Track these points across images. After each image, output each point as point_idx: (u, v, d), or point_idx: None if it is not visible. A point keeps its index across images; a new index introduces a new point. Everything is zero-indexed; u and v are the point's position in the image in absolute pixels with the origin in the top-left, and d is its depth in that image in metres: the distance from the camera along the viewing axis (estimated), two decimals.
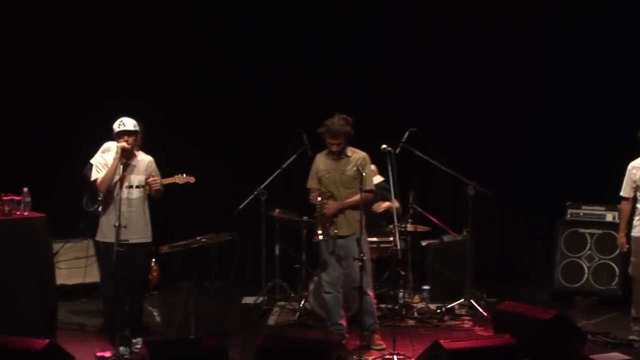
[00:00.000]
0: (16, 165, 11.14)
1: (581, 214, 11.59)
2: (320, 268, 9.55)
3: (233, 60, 12.15)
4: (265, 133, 12.00)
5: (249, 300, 11.26)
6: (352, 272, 8.96)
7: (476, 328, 10.18)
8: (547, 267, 11.92)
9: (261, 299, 10.98)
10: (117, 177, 8.78)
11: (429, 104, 12.04)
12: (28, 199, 9.19)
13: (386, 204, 10.35)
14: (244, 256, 11.73)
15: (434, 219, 10.97)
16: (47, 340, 7.20)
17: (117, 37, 11.77)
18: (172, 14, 11.98)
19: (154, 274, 11.45)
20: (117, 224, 8.46)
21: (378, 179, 10.23)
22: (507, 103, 12.12)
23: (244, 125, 12.17)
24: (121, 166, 8.74)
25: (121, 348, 8.66)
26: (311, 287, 10.20)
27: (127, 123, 8.85)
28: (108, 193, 8.87)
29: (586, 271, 11.44)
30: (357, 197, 9.03)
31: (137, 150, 9.00)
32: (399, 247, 9.36)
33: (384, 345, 9.18)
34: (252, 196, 10.73)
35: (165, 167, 9.24)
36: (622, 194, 9.74)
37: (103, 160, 8.95)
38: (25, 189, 9.19)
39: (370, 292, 9.20)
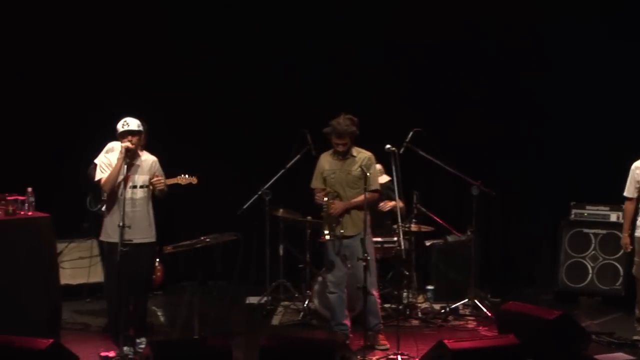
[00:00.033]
0: (20, 165, 11.15)
1: (585, 214, 11.58)
2: (325, 268, 9.57)
3: (237, 60, 12.14)
4: (269, 133, 12.00)
5: (253, 300, 11.27)
6: (357, 272, 8.96)
7: (480, 328, 10.18)
8: (551, 267, 11.90)
9: (265, 299, 10.98)
10: (121, 177, 8.79)
11: (433, 104, 12.03)
12: (32, 199, 9.21)
13: (392, 203, 10.34)
14: (248, 256, 11.73)
15: (438, 219, 10.95)
16: (51, 340, 7.20)
17: (120, 37, 11.76)
18: (173, 13, 11.98)
19: (158, 274, 11.45)
20: (121, 224, 8.47)
21: (384, 178, 10.23)
22: (511, 103, 12.11)
23: (248, 125, 12.17)
24: (125, 166, 8.75)
25: (125, 348, 8.68)
26: (315, 287, 10.20)
27: (131, 123, 8.86)
28: (112, 193, 8.88)
29: (590, 271, 11.44)
30: (363, 197, 9.03)
31: (141, 150, 9.00)
32: (403, 247, 9.37)
33: (388, 345, 9.18)
34: (256, 196, 10.73)
35: (168, 167, 9.24)
36: (625, 194, 9.72)
37: (107, 160, 8.95)
38: (29, 189, 9.21)
39: (375, 292, 9.21)
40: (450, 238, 11.40)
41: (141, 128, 8.90)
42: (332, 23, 12.09)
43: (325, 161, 9.39)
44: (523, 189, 12.28)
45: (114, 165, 8.83)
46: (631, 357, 8.71)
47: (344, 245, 9.21)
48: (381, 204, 10.37)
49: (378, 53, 12.13)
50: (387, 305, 10.33)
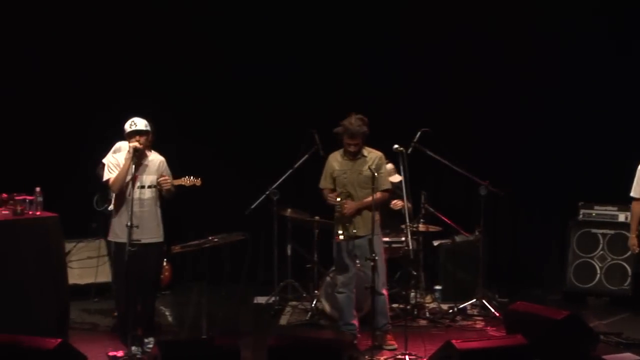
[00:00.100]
0: (28, 165, 11.18)
1: (593, 214, 11.56)
2: (335, 268, 9.57)
3: (245, 60, 12.14)
4: (277, 133, 11.99)
5: (261, 300, 11.28)
6: (368, 272, 8.96)
7: (488, 328, 10.17)
8: (559, 268, 11.89)
9: (273, 298, 10.99)
10: (129, 177, 8.80)
11: (441, 104, 12.02)
12: (40, 199, 9.23)
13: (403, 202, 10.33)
14: (255, 256, 11.75)
15: (446, 219, 10.94)
16: (59, 340, 7.20)
17: (128, 37, 11.78)
18: (181, 14, 11.98)
19: (166, 273, 11.47)
20: (129, 224, 8.48)
21: (396, 178, 10.18)
22: (519, 103, 12.09)
23: (256, 125, 12.17)
24: (133, 166, 8.76)
25: (133, 348, 8.70)
26: (323, 287, 10.20)
27: (138, 123, 8.87)
28: (120, 193, 8.88)
29: (598, 271, 11.42)
30: (375, 196, 9.03)
31: (149, 150, 9.01)
32: (410, 247, 9.37)
33: (395, 345, 9.19)
34: (264, 196, 10.73)
35: (177, 167, 9.24)
36: (632, 194, 9.65)
37: (115, 161, 8.96)
38: (38, 189, 9.22)
39: (385, 292, 9.21)
40: (458, 238, 11.40)
41: (149, 128, 8.91)
42: (339, 22, 12.08)
43: (335, 161, 9.39)
44: (531, 188, 12.24)
45: (122, 165, 8.83)
46: (639, 358, 8.71)
47: (356, 245, 9.22)
48: (392, 203, 10.35)
49: (386, 53, 12.11)
50: (395, 305, 10.32)
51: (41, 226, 9.14)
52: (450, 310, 10.66)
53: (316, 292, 10.46)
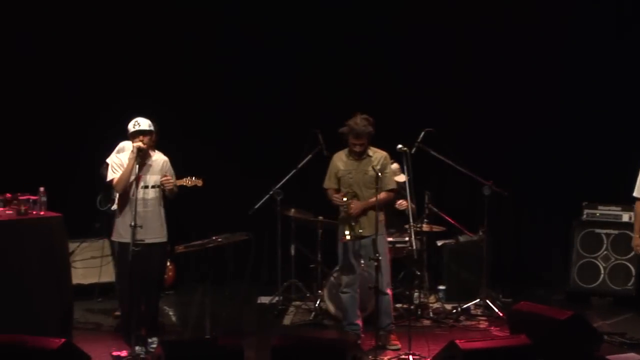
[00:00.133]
0: (32, 165, 11.18)
1: (597, 214, 11.55)
2: (340, 267, 9.55)
3: (249, 60, 12.15)
4: (281, 133, 11.99)
5: (264, 300, 11.27)
6: (372, 272, 8.95)
7: (492, 328, 10.17)
8: (562, 268, 11.88)
9: (277, 298, 10.99)
10: (132, 177, 8.79)
11: (445, 103, 12.02)
12: (44, 199, 9.22)
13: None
14: (259, 256, 11.78)
15: (449, 219, 10.95)
16: (63, 340, 7.20)
17: (132, 37, 11.79)
18: (185, 14, 11.99)
19: (170, 273, 11.47)
20: (133, 224, 8.48)
21: (402, 177, 10.16)
22: (523, 103, 12.09)
23: (259, 125, 12.17)
24: (137, 166, 8.76)
25: (137, 348, 8.69)
26: (327, 287, 10.20)
27: (142, 123, 8.87)
28: (124, 193, 8.88)
29: (602, 271, 11.41)
30: (380, 196, 9.05)
31: (153, 150, 9.01)
32: (414, 247, 9.34)
33: (399, 346, 9.18)
34: (267, 196, 10.73)
35: (180, 167, 9.24)
36: (635, 194, 9.56)
37: (118, 161, 8.96)
38: (41, 189, 9.21)
39: (389, 291, 9.21)
40: (462, 238, 11.39)
41: (152, 128, 8.91)
42: (344, 22, 12.08)
43: (340, 161, 9.38)
44: (535, 188, 12.25)
45: (125, 165, 8.83)
46: None
47: (362, 245, 9.22)
48: (397, 203, 10.35)
49: (389, 53, 12.12)
50: (398, 305, 10.29)
51: (45, 226, 9.13)
52: (454, 310, 10.64)
53: (320, 292, 10.46)
